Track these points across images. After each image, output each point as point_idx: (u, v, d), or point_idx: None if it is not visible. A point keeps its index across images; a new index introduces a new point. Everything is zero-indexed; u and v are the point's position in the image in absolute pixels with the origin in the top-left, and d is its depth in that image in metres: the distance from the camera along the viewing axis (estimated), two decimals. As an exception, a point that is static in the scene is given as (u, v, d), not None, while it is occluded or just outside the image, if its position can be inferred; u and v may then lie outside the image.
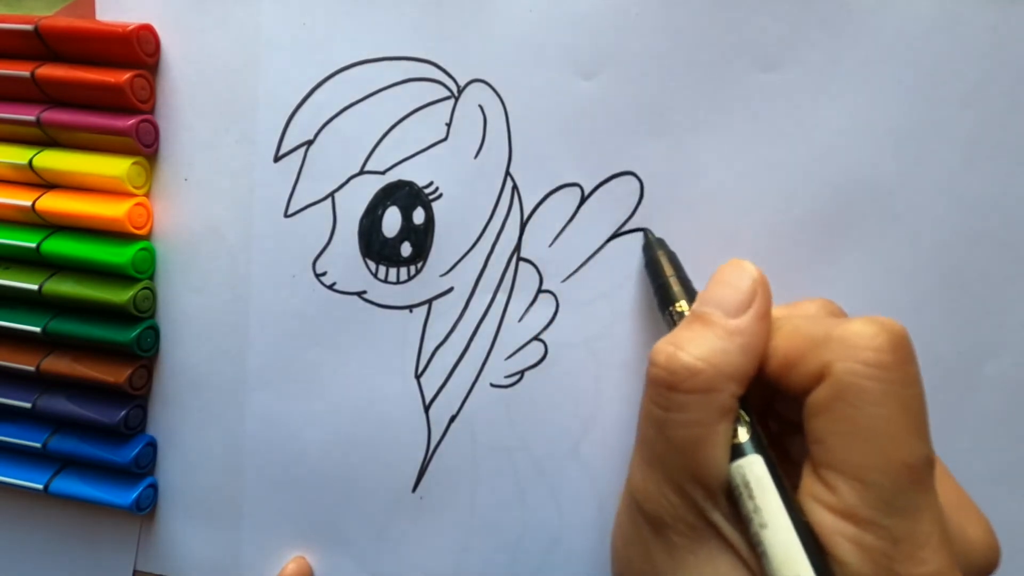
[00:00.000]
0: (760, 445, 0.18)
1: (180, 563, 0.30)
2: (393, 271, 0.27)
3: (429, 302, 0.27)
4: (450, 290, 0.27)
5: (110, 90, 0.27)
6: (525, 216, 0.26)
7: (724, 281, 0.19)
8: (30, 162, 0.28)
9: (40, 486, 0.29)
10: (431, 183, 0.27)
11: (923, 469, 0.15)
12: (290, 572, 0.28)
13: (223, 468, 0.29)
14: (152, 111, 0.28)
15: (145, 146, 0.28)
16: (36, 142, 0.29)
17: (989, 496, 0.24)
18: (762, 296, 0.18)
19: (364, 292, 0.27)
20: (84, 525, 0.30)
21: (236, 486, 0.29)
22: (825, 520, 0.16)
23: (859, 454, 0.15)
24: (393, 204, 0.27)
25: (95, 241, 0.28)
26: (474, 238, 0.27)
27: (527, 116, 0.26)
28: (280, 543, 0.29)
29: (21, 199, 0.28)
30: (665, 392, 0.17)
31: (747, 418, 0.18)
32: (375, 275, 0.27)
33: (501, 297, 0.27)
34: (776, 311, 0.21)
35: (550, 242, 0.26)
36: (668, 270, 0.23)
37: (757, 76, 0.24)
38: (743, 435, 0.18)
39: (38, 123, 0.27)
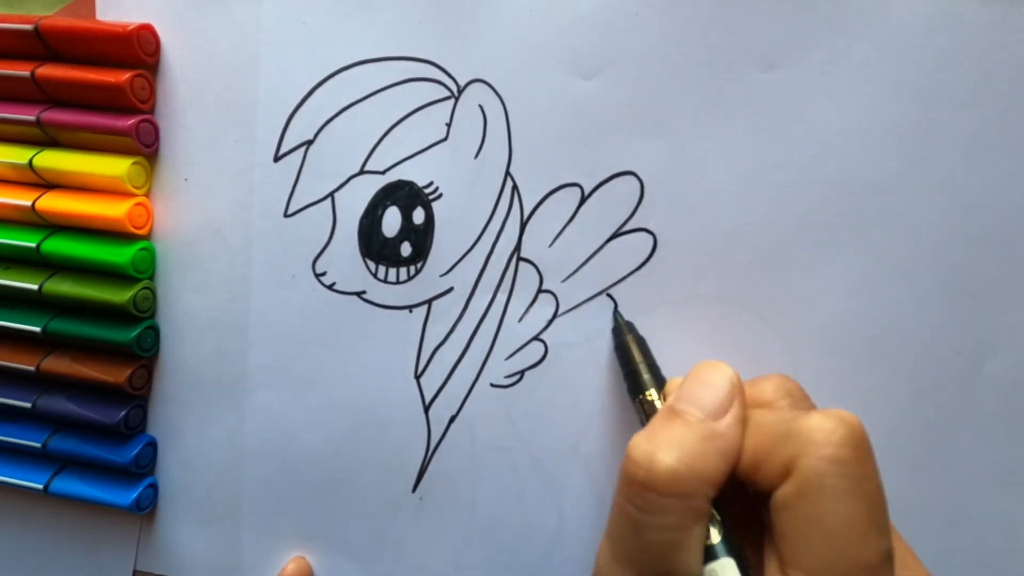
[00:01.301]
0: (732, 546, 0.18)
1: (180, 563, 0.30)
2: (393, 271, 0.27)
3: (429, 302, 0.27)
4: (450, 290, 0.27)
5: (110, 90, 0.27)
6: (525, 216, 0.26)
7: (703, 381, 0.19)
8: (30, 162, 0.28)
9: (40, 486, 0.29)
10: (431, 183, 0.27)
11: (882, 565, 0.16)
12: (290, 572, 0.28)
13: (223, 468, 0.29)
14: (152, 111, 0.28)
15: (145, 146, 0.28)
16: (36, 142, 0.29)
17: (989, 496, 0.25)
18: (740, 400, 0.19)
19: (364, 292, 0.27)
20: (84, 525, 0.30)
21: (236, 486, 0.29)
22: None
23: (821, 553, 0.16)
24: (393, 204, 0.27)
25: (95, 241, 0.28)
26: (474, 238, 0.27)
27: (527, 116, 0.26)
28: (280, 543, 0.29)
29: (21, 199, 0.28)
30: (642, 492, 0.17)
31: (719, 518, 0.18)
32: (375, 275, 0.27)
33: (501, 297, 0.27)
34: None
35: (550, 242, 0.26)
36: (637, 356, 0.24)
37: (757, 76, 0.24)
38: (715, 536, 0.18)
39: (38, 123, 0.27)
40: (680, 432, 0.18)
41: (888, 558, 0.16)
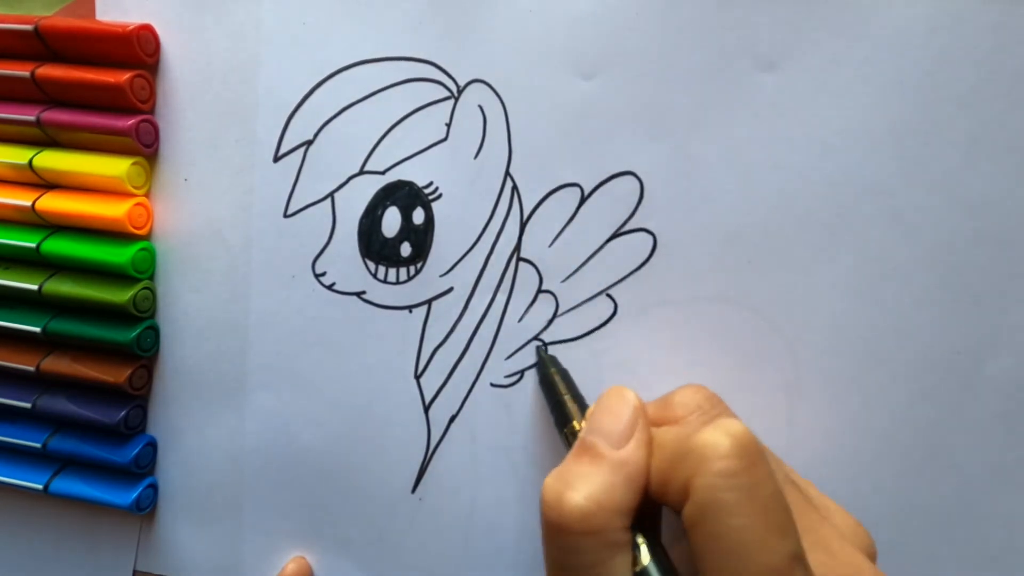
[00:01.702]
0: (662, 565, 0.17)
1: (180, 563, 0.30)
2: (393, 271, 0.27)
3: (429, 302, 0.27)
4: (450, 290, 0.27)
5: (110, 90, 0.27)
6: (525, 216, 0.26)
7: (607, 409, 0.20)
8: (30, 162, 0.28)
9: (40, 486, 0.29)
10: (431, 183, 0.27)
11: (790, 566, 0.16)
12: (290, 572, 0.28)
13: (223, 468, 0.29)
14: (152, 111, 0.28)
15: (145, 146, 0.28)
16: (36, 142, 0.29)
17: (989, 496, 0.25)
18: (643, 424, 0.19)
19: (363, 292, 0.27)
20: (84, 525, 0.30)
21: (236, 486, 0.29)
22: None
23: (730, 567, 0.16)
24: (393, 204, 0.27)
25: (95, 241, 0.28)
26: (474, 238, 0.27)
27: (527, 116, 0.26)
28: (280, 543, 0.29)
29: (21, 199, 0.28)
30: (557, 535, 0.18)
31: (644, 541, 0.18)
32: (375, 275, 0.27)
33: (501, 297, 0.27)
34: (649, 410, 0.21)
35: (550, 242, 0.26)
36: (562, 388, 0.24)
37: (757, 76, 0.24)
38: (645, 557, 0.18)
39: (38, 123, 0.27)
40: (587, 467, 0.18)
41: (796, 559, 0.16)
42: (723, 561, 0.16)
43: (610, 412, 0.19)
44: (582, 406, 0.23)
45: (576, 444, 0.20)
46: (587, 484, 0.18)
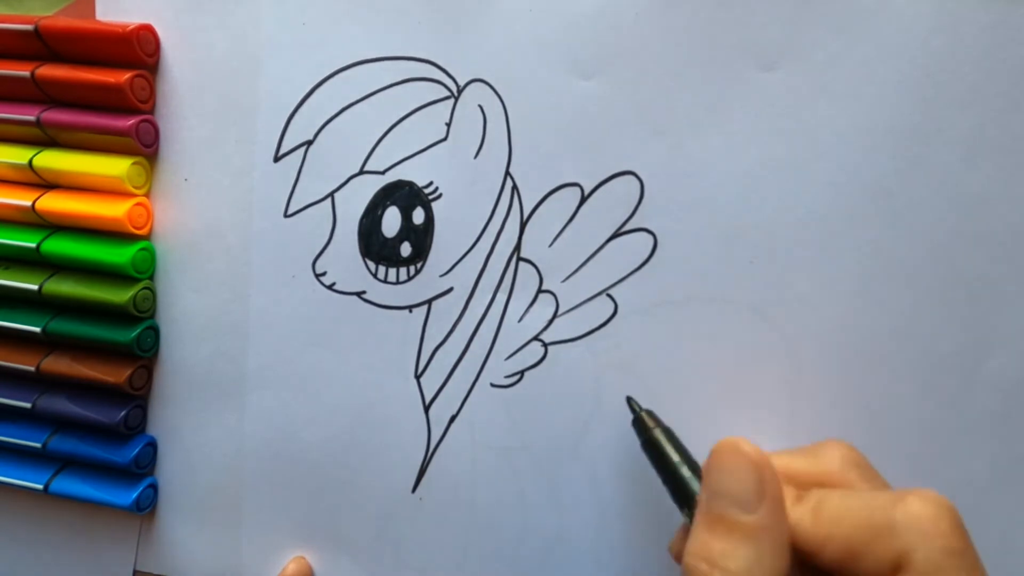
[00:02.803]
0: None
1: (180, 563, 0.30)
2: (393, 271, 0.27)
3: (429, 302, 0.27)
4: (450, 290, 0.27)
5: (110, 90, 0.27)
6: (525, 216, 0.26)
7: (727, 469, 0.18)
8: (30, 162, 0.28)
9: (40, 486, 0.29)
10: (431, 183, 0.27)
11: None
12: (290, 572, 0.28)
13: (223, 468, 0.29)
14: (152, 111, 0.28)
15: (145, 146, 0.28)
16: (36, 142, 0.29)
17: (988, 496, 0.25)
18: (771, 480, 0.18)
19: (364, 292, 0.27)
20: (84, 525, 0.30)
21: (236, 486, 0.29)
22: None
23: None
24: (393, 204, 0.27)
25: (95, 241, 0.28)
26: (474, 238, 0.27)
27: (527, 116, 0.26)
28: (280, 543, 0.29)
29: (21, 199, 0.28)
30: None
31: None
32: (375, 275, 0.27)
33: (501, 297, 0.27)
34: (797, 463, 0.20)
35: (550, 242, 0.26)
36: (675, 456, 0.21)
37: (757, 76, 0.24)
38: None
39: (38, 123, 0.27)
40: (727, 539, 0.17)
41: None
42: None
43: (731, 473, 0.18)
44: (698, 473, 0.21)
45: (701, 512, 0.18)
46: (733, 560, 0.17)
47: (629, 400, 0.25)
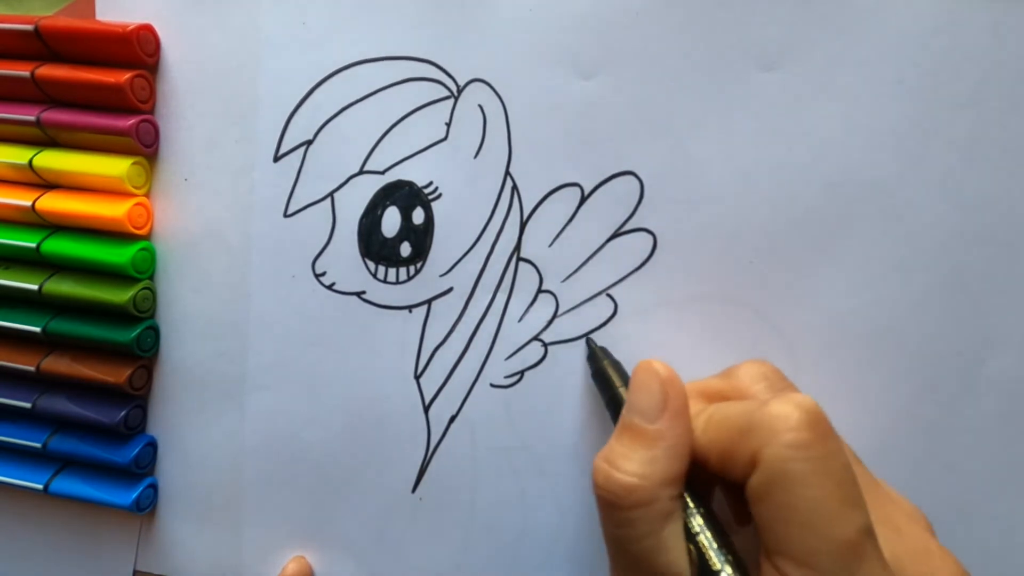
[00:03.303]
0: (714, 529, 0.18)
1: (180, 563, 0.30)
2: (392, 271, 0.27)
3: (429, 302, 0.27)
4: (450, 290, 0.27)
5: (110, 90, 0.27)
6: (525, 216, 0.26)
7: (640, 386, 0.20)
8: (30, 162, 0.28)
9: (40, 486, 0.29)
10: (431, 183, 0.27)
11: (862, 540, 0.16)
12: (290, 572, 0.28)
13: (223, 468, 0.29)
14: (152, 111, 0.28)
15: (145, 146, 0.28)
16: (36, 142, 0.29)
17: (989, 496, 0.25)
18: (673, 394, 0.19)
19: (363, 292, 0.27)
20: (84, 525, 0.30)
21: (236, 486, 0.29)
22: None
23: (801, 539, 0.16)
24: (393, 204, 0.27)
25: (95, 241, 0.28)
26: (474, 238, 0.27)
27: (527, 116, 0.26)
28: (280, 543, 0.29)
29: (21, 199, 0.28)
30: (610, 511, 0.18)
31: (698, 508, 0.19)
32: (374, 275, 0.27)
33: (501, 297, 0.27)
34: (713, 383, 0.22)
35: (550, 242, 0.26)
36: (617, 381, 0.24)
37: (757, 76, 0.24)
38: (696, 522, 0.18)
39: (38, 123, 0.27)
40: (629, 444, 0.19)
41: (868, 531, 0.16)
42: (794, 532, 0.16)
43: (643, 388, 0.20)
44: None
45: (618, 424, 0.20)
46: (630, 461, 0.18)
47: (587, 338, 0.26)
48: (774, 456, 0.16)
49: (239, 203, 0.28)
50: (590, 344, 0.26)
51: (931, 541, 0.19)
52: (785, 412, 0.17)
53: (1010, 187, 0.24)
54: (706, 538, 0.18)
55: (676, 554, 0.18)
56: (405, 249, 0.27)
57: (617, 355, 0.26)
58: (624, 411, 0.20)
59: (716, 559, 0.17)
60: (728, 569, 0.17)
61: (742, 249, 0.25)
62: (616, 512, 0.18)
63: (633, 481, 0.18)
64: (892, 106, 0.24)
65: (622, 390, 0.23)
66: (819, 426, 0.16)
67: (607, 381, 0.24)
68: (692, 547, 0.18)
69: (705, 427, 0.19)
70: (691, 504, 0.19)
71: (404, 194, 0.27)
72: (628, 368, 0.25)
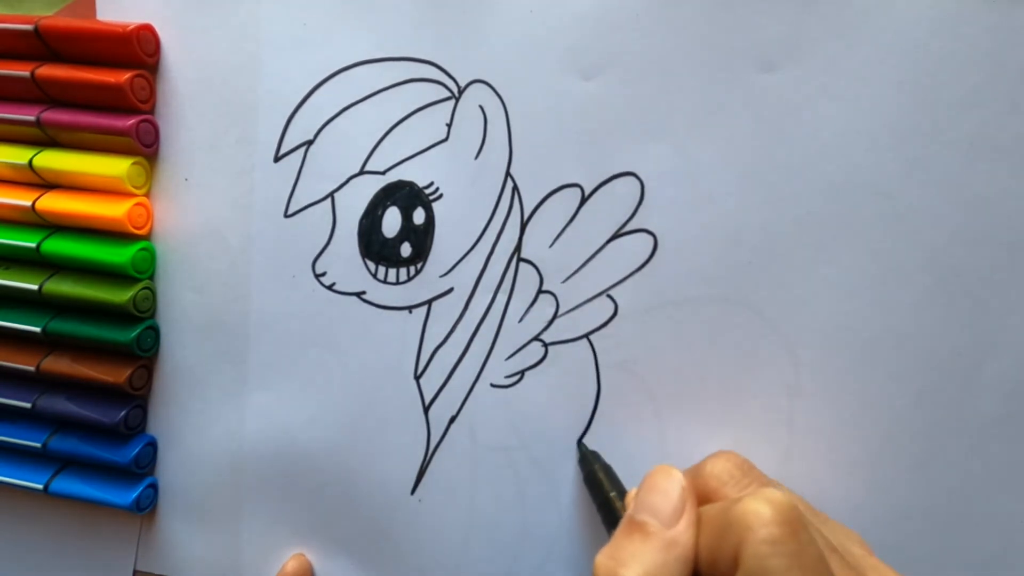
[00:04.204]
0: None
1: (180, 563, 0.30)
2: (393, 271, 0.27)
3: (429, 303, 0.27)
4: (450, 291, 0.27)
5: (110, 90, 0.27)
6: (525, 216, 0.26)
7: (657, 488, 0.20)
8: (30, 162, 0.28)
9: (40, 486, 0.29)
10: (431, 183, 0.27)
11: None
12: (290, 570, 0.28)
13: (223, 468, 0.29)
14: (152, 111, 0.28)
15: (145, 146, 0.28)
16: (36, 142, 0.29)
17: (989, 496, 0.25)
18: (691, 503, 0.19)
19: (364, 292, 0.27)
20: (84, 525, 0.30)
21: (236, 486, 0.29)
22: None
23: None
24: (393, 204, 0.27)
25: (95, 241, 0.28)
26: (474, 238, 0.27)
27: (528, 116, 0.26)
28: (280, 543, 0.29)
29: (21, 199, 0.28)
30: None
31: None
32: (375, 275, 0.27)
33: (501, 297, 0.27)
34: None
35: (550, 242, 0.26)
36: (607, 486, 0.24)
37: (757, 76, 0.24)
38: None
39: (38, 123, 0.27)
40: (639, 544, 0.19)
41: None
42: None
43: (659, 491, 0.19)
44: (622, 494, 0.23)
45: (625, 521, 0.20)
46: (640, 563, 0.18)
47: (579, 442, 0.26)
48: (753, 554, 0.16)
49: (239, 203, 0.28)
50: (581, 448, 0.26)
51: None
52: (756, 509, 0.17)
53: (1010, 187, 0.24)
54: None
55: None
56: (405, 249, 0.27)
57: (617, 355, 0.26)
58: (633, 511, 0.20)
59: None
60: None
61: (742, 249, 0.25)
62: None
63: None
64: (892, 107, 0.24)
65: (614, 495, 0.23)
66: (790, 520, 0.17)
67: (598, 486, 0.24)
68: None
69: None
70: None
71: (405, 194, 0.27)
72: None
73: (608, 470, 0.25)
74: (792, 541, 0.16)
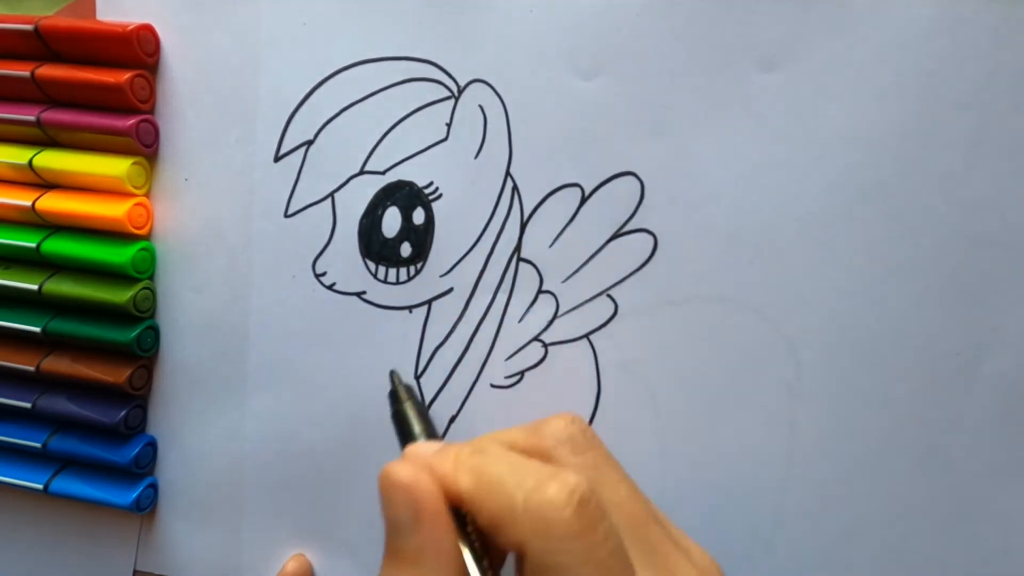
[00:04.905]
0: None
1: (180, 563, 0.30)
2: (393, 271, 0.27)
3: (429, 303, 0.27)
4: (450, 290, 0.27)
5: (110, 90, 0.27)
6: (525, 216, 0.26)
7: (387, 500, 0.18)
8: (30, 162, 0.28)
9: (40, 486, 0.29)
10: (431, 183, 0.27)
11: None
12: (290, 570, 0.28)
13: (223, 468, 0.29)
14: (152, 111, 0.28)
15: (145, 146, 0.28)
16: (36, 142, 0.29)
17: (989, 496, 0.25)
18: (423, 499, 0.17)
19: (364, 292, 0.27)
20: (84, 525, 0.30)
21: (236, 486, 0.29)
22: None
23: None
24: (393, 204, 0.27)
25: (95, 241, 0.28)
26: (474, 238, 0.27)
27: (527, 116, 0.26)
28: (280, 543, 0.29)
29: (21, 199, 0.28)
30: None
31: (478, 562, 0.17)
32: (375, 275, 0.27)
33: (501, 297, 0.27)
34: (518, 437, 0.20)
35: (550, 242, 0.26)
36: (417, 429, 0.21)
37: (757, 76, 0.24)
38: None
39: (38, 123, 0.27)
40: (394, 570, 0.18)
41: None
42: None
43: (389, 503, 0.18)
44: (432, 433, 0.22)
45: (384, 551, 0.19)
46: None
47: (392, 373, 0.24)
48: (542, 549, 0.16)
49: (239, 203, 0.28)
50: (393, 379, 0.23)
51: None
52: (554, 500, 0.16)
53: (1010, 187, 0.24)
54: None
55: None
56: (405, 249, 0.27)
57: (617, 355, 0.26)
58: (385, 533, 0.18)
59: None
60: None
61: (742, 249, 0.25)
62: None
63: None
64: (892, 106, 0.24)
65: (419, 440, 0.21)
66: (587, 515, 0.16)
67: (405, 428, 0.22)
68: None
69: (476, 485, 0.17)
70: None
71: (404, 194, 0.27)
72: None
73: (421, 408, 0.22)
74: (585, 537, 0.16)
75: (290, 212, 0.27)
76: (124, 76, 0.26)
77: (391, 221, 0.27)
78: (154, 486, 0.29)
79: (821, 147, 0.24)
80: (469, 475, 0.18)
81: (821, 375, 0.25)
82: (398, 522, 0.18)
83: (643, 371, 0.26)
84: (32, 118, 0.27)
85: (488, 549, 0.18)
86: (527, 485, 0.17)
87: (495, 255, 0.27)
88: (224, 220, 0.28)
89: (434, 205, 0.27)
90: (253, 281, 0.28)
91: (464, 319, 0.27)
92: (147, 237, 0.28)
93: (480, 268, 0.27)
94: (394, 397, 0.23)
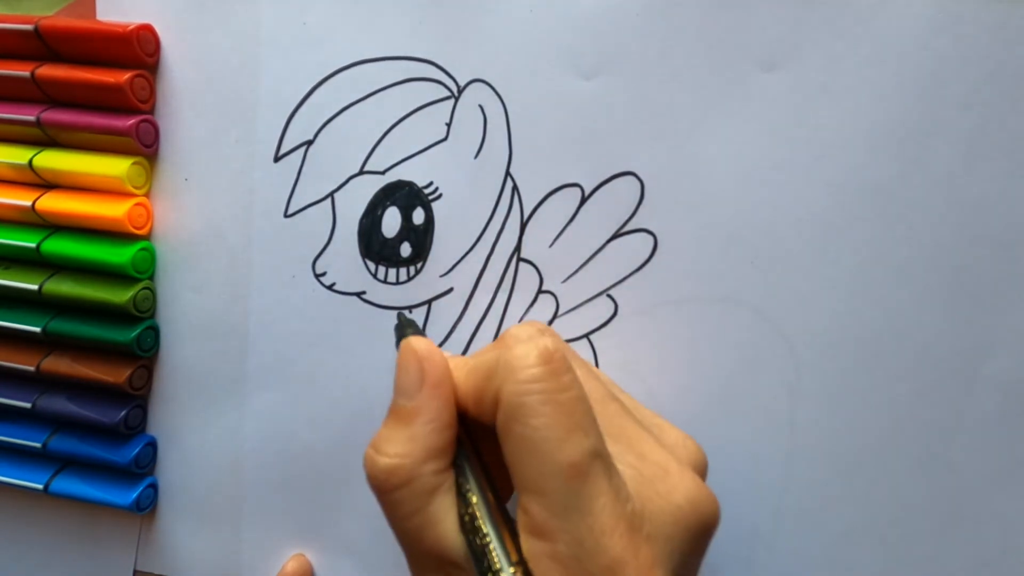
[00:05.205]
0: (481, 490, 0.18)
1: (180, 563, 0.30)
2: (393, 271, 0.27)
3: (429, 303, 0.27)
4: (450, 291, 0.27)
5: (110, 90, 0.27)
6: (525, 216, 0.26)
7: (400, 367, 0.20)
8: (30, 162, 0.28)
9: (40, 486, 0.29)
10: (431, 183, 0.27)
11: (588, 462, 0.16)
12: (290, 570, 0.28)
13: (223, 468, 0.29)
14: (152, 111, 0.28)
15: (145, 146, 0.28)
16: (36, 142, 0.29)
17: (989, 496, 0.25)
18: (430, 368, 0.19)
19: (364, 292, 0.27)
20: (84, 525, 0.30)
21: (236, 486, 0.29)
22: (531, 547, 0.16)
23: (532, 467, 0.16)
24: (393, 204, 0.27)
25: (95, 241, 0.28)
26: (474, 238, 0.27)
27: (527, 116, 0.26)
28: (280, 543, 0.29)
29: (21, 199, 0.28)
30: (379, 497, 0.19)
31: (471, 476, 0.18)
32: (374, 275, 0.27)
33: (501, 298, 0.27)
34: (486, 350, 0.21)
35: (550, 242, 0.26)
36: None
37: (757, 76, 0.24)
38: (469, 495, 0.18)
39: (38, 123, 0.27)
40: (392, 426, 0.19)
41: (596, 454, 0.17)
42: (526, 458, 0.17)
43: (402, 368, 0.20)
44: None
45: (389, 410, 0.20)
46: (391, 443, 0.18)
47: (399, 314, 0.25)
48: (511, 392, 0.17)
49: (239, 203, 0.28)
50: (400, 318, 0.24)
51: (672, 464, 0.19)
52: (523, 352, 0.17)
53: (1010, 187, 0.24)
54: (479, 506, 0.18)
55: (444, 527, 0.18)
56: (405, 249, 0.27)
57: (617, 355, 0.26)
58: (392, 398, 0.20)
59: (486, 525, 0.17)
60: (493, 532, 0.17)
61: (742, 249, 0.25)
62: (382, 496, 0.18)
63: (394, 462, 0.18)
64: (892, 106, 0.24)
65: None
66: (552, 361, 0.17)
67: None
68: (467, 516, 0.18)
69: (466, 377, 0.19)
70: (467, 472, 0.18)
71: (404, 194, 0.27)
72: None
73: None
74: (550, 380, 0.17)
75: (290, 212, 0.27)
76: (124, 76, 0.26)
77: (391, 221, 0.27)
78: (154, 486, 0.29)
79: (821, 147, 0.24)
80: (463, 366, 0.20)
81: (821, 375, 0.25)
82: (405, 385, 0.19)
83: (643, 371, 0.26)
84: (32, 118, 0.27)
85: (493, 482, 0.19)
86: (501, 351, 0.18)
87: (495, 255, 0.27)
88: (224, 220, 0.28)
89: (434, 205, 0.27)
90: (253, 281, 0.28)
91: (464, 319, 0.27)
92: (147, 237, 0.28)
93: (480, 268, 0.27)
94: (400, 331, 0.23)
